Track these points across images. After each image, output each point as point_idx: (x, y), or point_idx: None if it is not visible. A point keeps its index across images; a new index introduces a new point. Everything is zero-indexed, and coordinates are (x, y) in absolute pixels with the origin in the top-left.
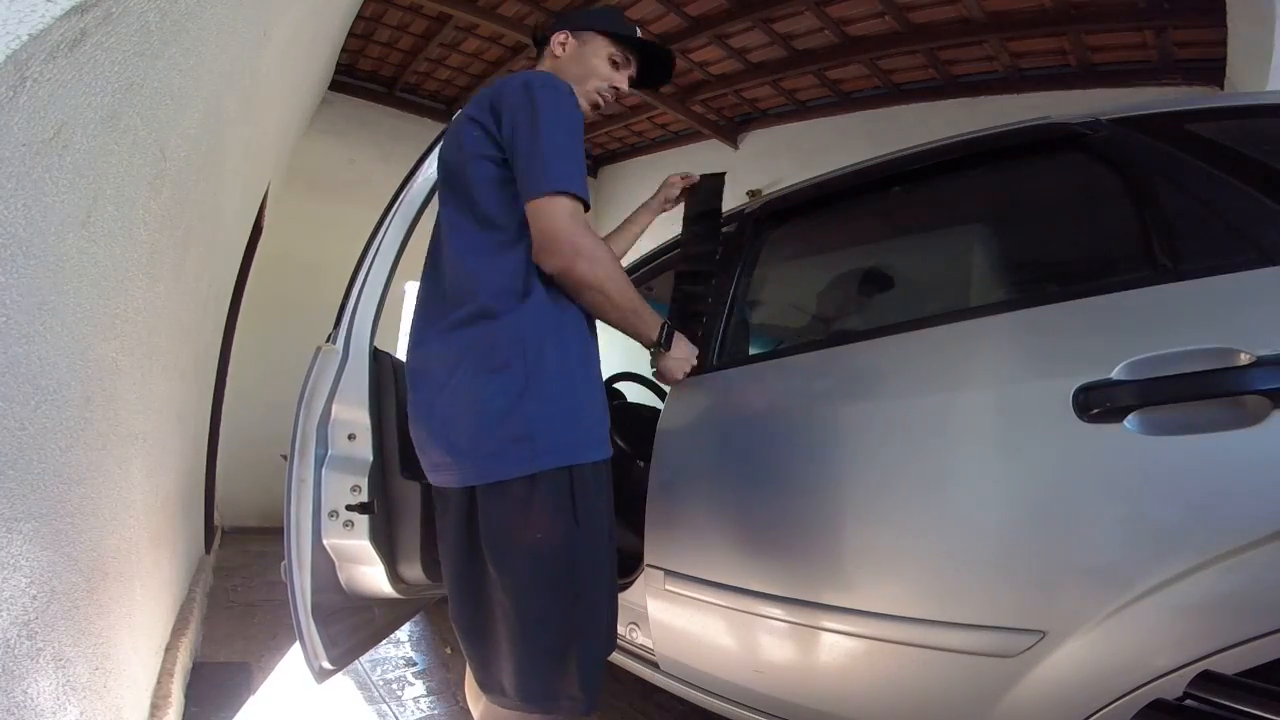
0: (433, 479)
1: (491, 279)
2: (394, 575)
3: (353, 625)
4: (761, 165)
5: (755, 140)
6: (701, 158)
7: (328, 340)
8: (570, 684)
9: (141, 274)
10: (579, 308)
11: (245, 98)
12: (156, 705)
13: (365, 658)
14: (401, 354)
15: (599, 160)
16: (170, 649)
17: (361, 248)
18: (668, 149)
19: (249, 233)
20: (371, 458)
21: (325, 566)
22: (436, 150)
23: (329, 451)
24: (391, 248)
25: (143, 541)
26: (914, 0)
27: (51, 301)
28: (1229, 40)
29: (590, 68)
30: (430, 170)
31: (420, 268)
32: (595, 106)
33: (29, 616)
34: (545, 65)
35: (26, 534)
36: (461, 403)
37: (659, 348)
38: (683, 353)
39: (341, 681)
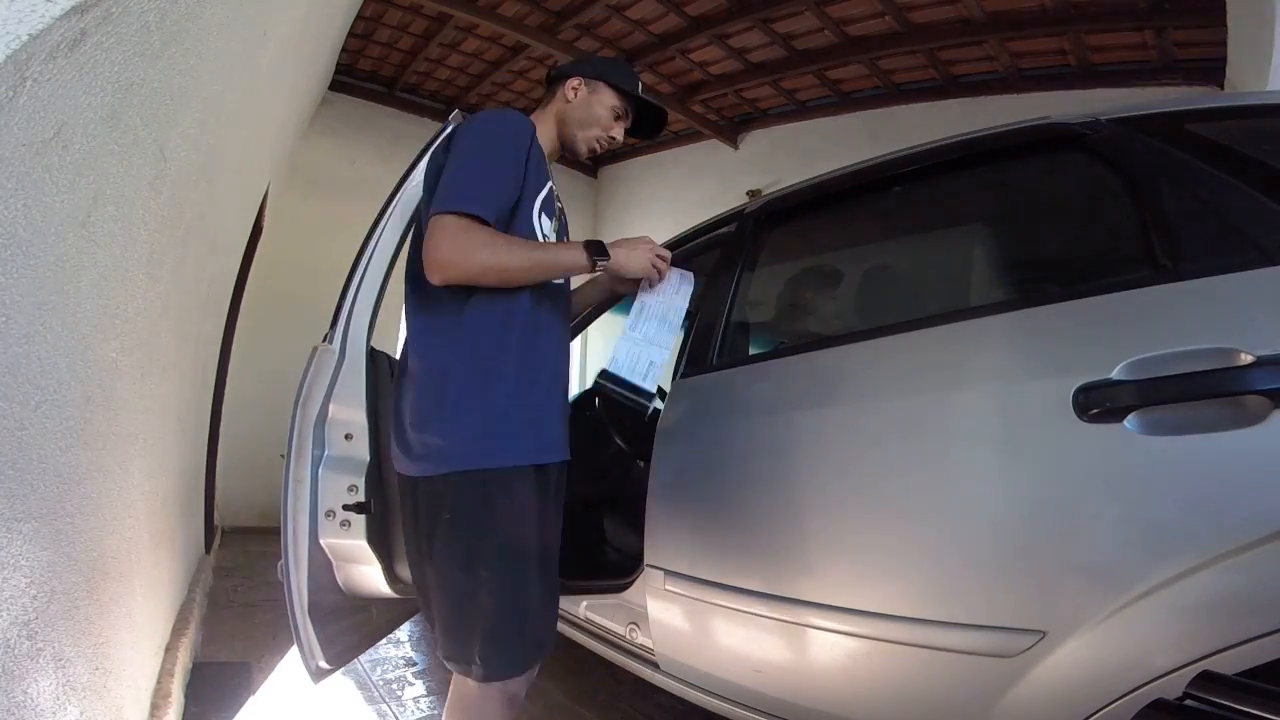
0: (396, 465)
1: (436, 293)
2: (391, 575)
3: (350, 625)
4: (761, 165)
5: (755, 140)
6: (701, 158)
7: (324, 340)
8: (472, 652)
9: (141, 274)
10: (520, 322)
11: (245, 98)
12: (156, 705)
13: (365, 657)
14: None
15: (599, 160)
16: (170, 649)
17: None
18: (667, 149)
19: (249, 233)
20: (369, 458)
21: (322, 566)
22: (431, 151)
23: (326, 451)
24: (388, 248)
25: (143, 541)
26: (914, 0)
27: (51, 301)
28: (1229, 40)
29: (594, 116)
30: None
31: None
32: (592, 152)
33: (29, 616)
34: (553, 107)
35: (26, 534)
36: (412, 400)
37: (597, 265)
38: (629, 247)
39: (341, 681)
